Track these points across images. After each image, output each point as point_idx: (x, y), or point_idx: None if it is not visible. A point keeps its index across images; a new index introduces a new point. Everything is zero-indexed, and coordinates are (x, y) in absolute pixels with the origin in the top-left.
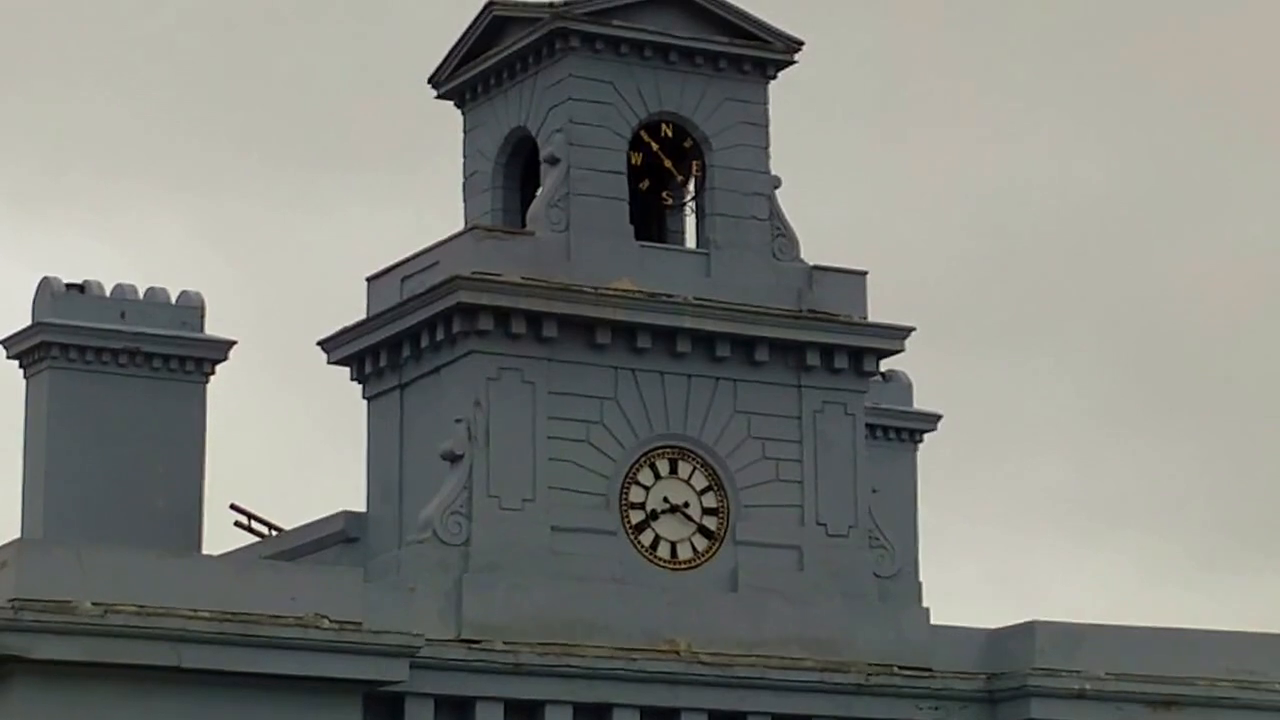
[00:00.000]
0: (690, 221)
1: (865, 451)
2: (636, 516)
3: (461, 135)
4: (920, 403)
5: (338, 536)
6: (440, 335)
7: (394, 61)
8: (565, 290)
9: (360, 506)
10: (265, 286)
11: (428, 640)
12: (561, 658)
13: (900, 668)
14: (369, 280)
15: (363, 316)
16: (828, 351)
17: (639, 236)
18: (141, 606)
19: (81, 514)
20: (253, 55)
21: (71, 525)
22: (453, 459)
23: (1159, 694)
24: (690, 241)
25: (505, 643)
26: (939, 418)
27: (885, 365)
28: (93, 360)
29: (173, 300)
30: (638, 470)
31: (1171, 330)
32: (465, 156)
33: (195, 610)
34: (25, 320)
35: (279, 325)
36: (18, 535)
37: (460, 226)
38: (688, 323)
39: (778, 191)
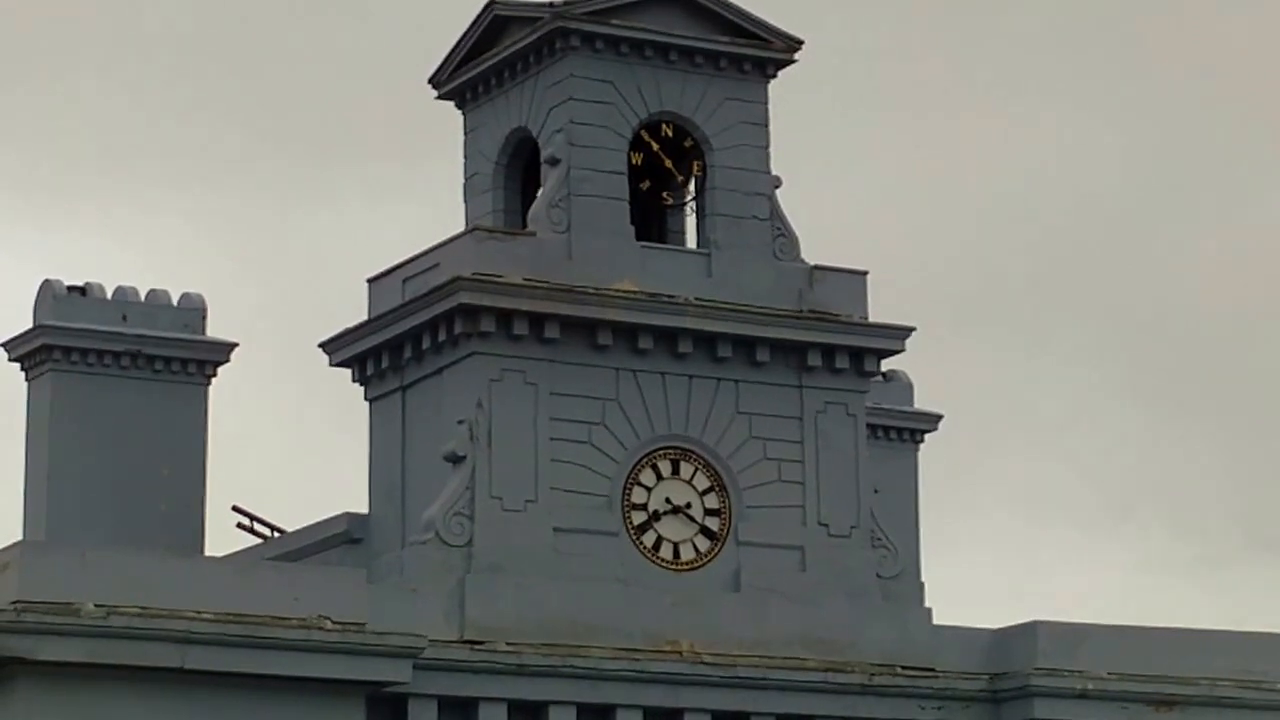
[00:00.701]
0: (691, 221)
1: (867, 452)
2: (639, 517)
3: (462, 136)
4: (921, 403)
5: (340, 538)
6: (442, 336)
7: (394, 62)
8: (567, 291)
9: (363, 508)
10: (267, 288)
11: (431, 641)
12: (565, 659)
13: (903, 668)
14: (370, 282)
15: (364, 318)
16: (829, 352)
17: (640, 237)
18: (144, 608)
19: (84, 516)
20: (255, 56)
21: (74, 527)
22: (455, 460)
23: (1162, 694)
24: (691, 242)
25: (508, 644)
26: (940, 418)
27: (886, 365)
28: (94, 363)
29: (174, 302)
30: (640, 471)
31: (1176, 327)
32: (466, 157)
33: (198, 611)
34: (27, 323)
35: (281, 327)
36: (20, 537)
37: (461, 227)
38: (689, 323)
39: (778, 191)
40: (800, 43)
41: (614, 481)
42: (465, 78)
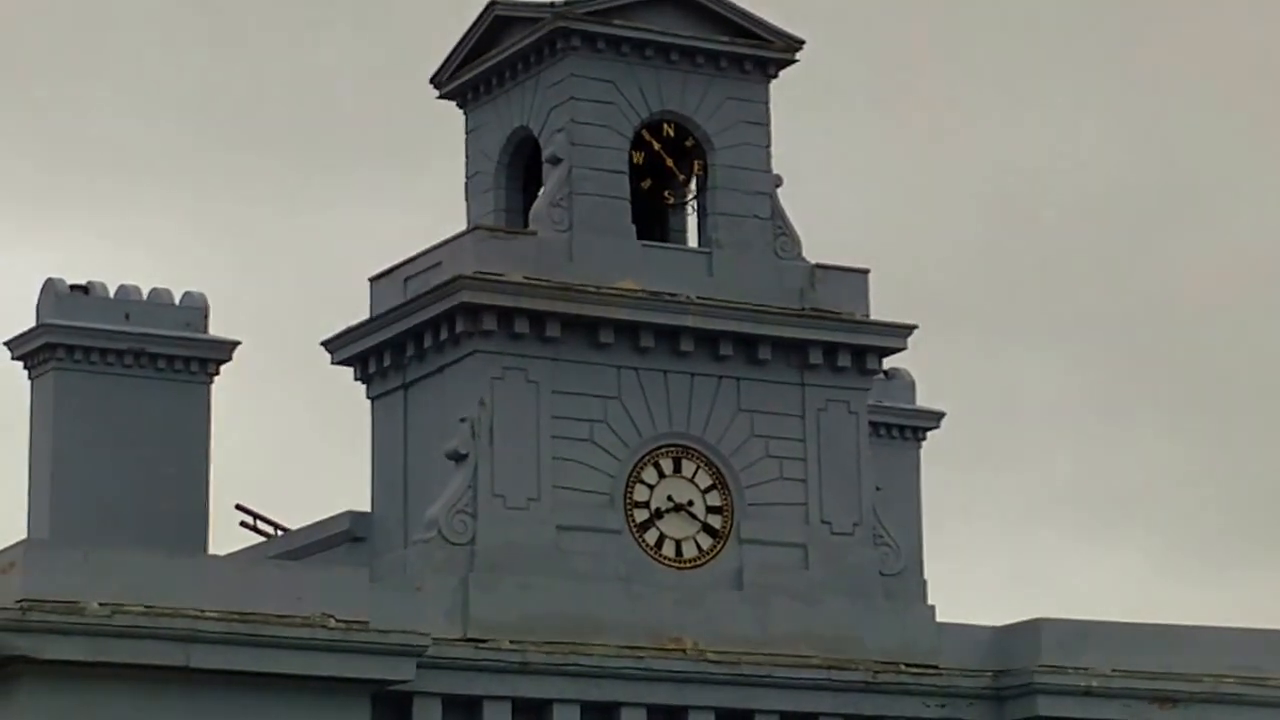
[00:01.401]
0: (692, 220)
1: (869, 449)
2: (641, 515)
3: (464, 135)
4: (923, 400)
5: (343, 536)
6: (444, 335)
7: (396, 62)
8: (568, 290)
9: (365, 506)
10: (268, 287)
11: (434, 639)
12: (568, 656)
13: (906, 665)
14: (372, 281)
15: (366, 317)
16: (830, 350)
17: (641, 236)
18: (149, 607)
19: (87, 515)
20: (255, 56)
21: (77, 526)
22: (457, 458)
23: (1165, 690)
24: (692, 240)
25: (512, 641)
26: (942, 415)
27: (888, 363)
28: (97, 361)
29: (176, 301)
30: (642, 469)
31: (1178, 325)
32: (467, 156)
33: (202, 610)
34: (30, 321)
35: (282, 326)
36: (24, 536)
37: (463, 226)
38: (690, 322)
39: (779, 190)
40: (801, 42)
41: (616, 479)
42: (466, 77)
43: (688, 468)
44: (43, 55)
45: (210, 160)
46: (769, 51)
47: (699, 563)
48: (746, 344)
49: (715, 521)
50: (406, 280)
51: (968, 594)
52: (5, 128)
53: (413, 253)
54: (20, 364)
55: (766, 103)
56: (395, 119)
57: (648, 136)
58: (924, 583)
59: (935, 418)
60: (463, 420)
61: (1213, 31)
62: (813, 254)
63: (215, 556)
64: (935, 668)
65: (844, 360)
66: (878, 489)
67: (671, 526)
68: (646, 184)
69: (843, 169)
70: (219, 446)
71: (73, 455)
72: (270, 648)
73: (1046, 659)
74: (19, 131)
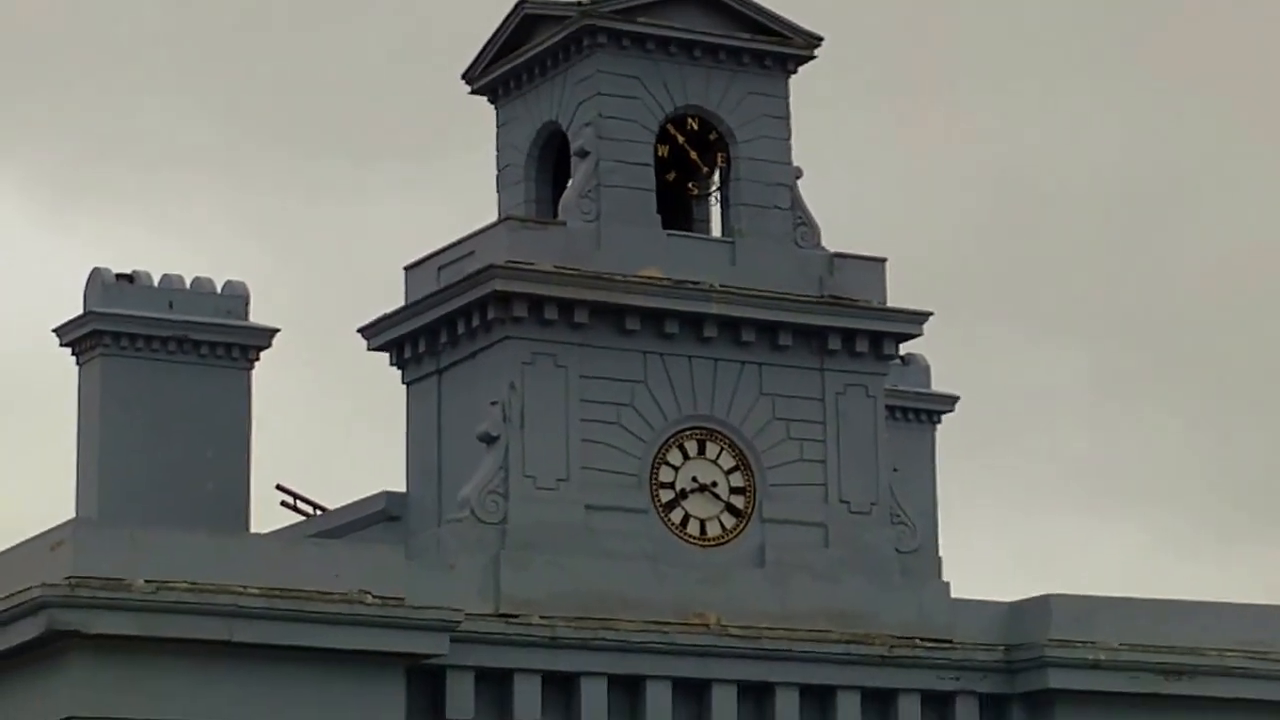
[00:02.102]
0: (715, 211)
1: (886, 432)
2: (666, 495)
3: (495, 129)
4: (938, 384)
5: (379, 515)
6: (476, 322)
7: (429, 58)
8: (596, 278)
9: (400, 486)
10: (307, 275)
11: (467, 615)
12: (596, 631)
13: (922, 640)
14: (407, 269)
15: (401, 304)
16: (849, 336)
17: (666, 226)
18: (193, 583)
19: (133, 495)
20: (294, 53)
21: (124, 506)
22: (489, 440)
23: (1172, 664)
24: (716, 230)
25: (542, 617)
26: (956, 399)
27: (904, 349)
28: (142, 348)
29: (218, 290)
30: (667, 450)
31: (1185, 308)
32: (498, 150)
33: (244, 587)
34: (77, 310)
35: (320, 313)
36: (73, 516)
37: (494, 217)
38: (714, 309)
39: (799, 181)
40: (820, 39)
41: (642, 461)
42: (497, 74)
43: (711, 450)
44: (88, 53)
45: (250, 154)
46: (789, 48)
47: (722, 541)
48: (768, 330)
49: (738, 501)
50: (440, 269)
51: (981, 571)
52: (51, 123)
53: (446, 242)
54: (68, 350)
55: (786, 97)
56: (429, 114)
57: (672, 130)
58: (939, 560)
59: (950, 401)
60: (494, 404)
61: (1212, 24)
62: (831, 243)
63: (256, 535)
64: (950, 642)
65: (862, 346)
66: (894, 470)
67: (696, 506)
68: (671, 176)
69: (861, 161)
70: (259, 429)
71: (119, 438)
72: (309, 623)
73: (1057, 633)
74: (64, 126)
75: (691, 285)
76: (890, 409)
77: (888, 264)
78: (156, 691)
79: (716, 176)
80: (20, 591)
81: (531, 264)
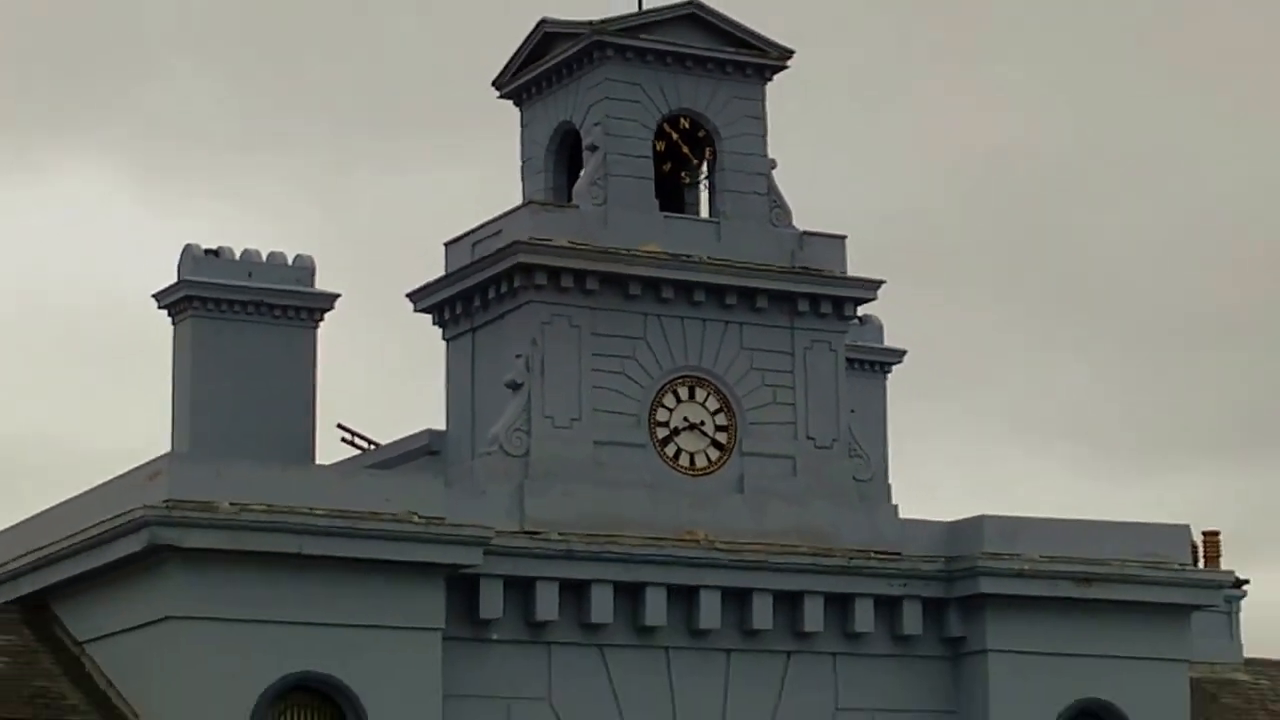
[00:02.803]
0: (704, 196)
1: (845, 380)
2: (662, 433)
3: (519, 128)
4: (890, 340)
5: (423, 450)
6: (504, 289)
7: (467, 67)
8: (604, 252)
9: (440, 425)
10: (364, 250)
11: (496, 532)
12: (604, 546)
13: (875, 553)
14: (447, 245)
15: (442, 274)
16: (814, 300)
17: (662, 208)
18: (268, 506)
19: (219, 433)
20: (361, 62)
21: (211, 442)
22: (514, 387)
23: (1083, 572)
24: (704, 212)
25: (558, 534)
26: (904, 352)
27: (862, 311)
28: (225, 310)
29: (289, 262)
30: (663, 395)
31: (1099, 277)
32: (522, 144)
33: (311, 509)
34: (172, 279)
35: (375, 281)
36: (168, 450)
37: (518, 201)
38: (703, 278)
39: (774, 171)
40: (791, 52)
41: (642, 404)
42: (521, 81)
43: (700, 395)
44: (179, 54)
45: (322, 144)
46: (765, 60)
47: (708, 471)
48: (747, 295)
49: (721, 438)
50: (473, 244)
51: (925, 496)
52: (146, 117)
53: (479, 222)
54: (165, 313)
55: (763, 100)
56: (463, 114)
57: (668, 128)
58: (889, 487)
59: (899, 355)
60: (519, 357)
61: (1166, 12)
62: (801, 223)
63: (321, 466)
64: (898, 555)
65: (825, 309)
66: (852, 411)
67: (687, 442)
68: (667, 167)
69: (826, 153)
70: (323, 378)
71: (206, 386)
72: (364, 539)
73: (988, 548)
74: (158, 121)
75: (684, 258)
76: (849, 361)
77: (847, 240)
78: (238, 596)
79: (704, 167)
80: (125, 514)
81: (550, 240)
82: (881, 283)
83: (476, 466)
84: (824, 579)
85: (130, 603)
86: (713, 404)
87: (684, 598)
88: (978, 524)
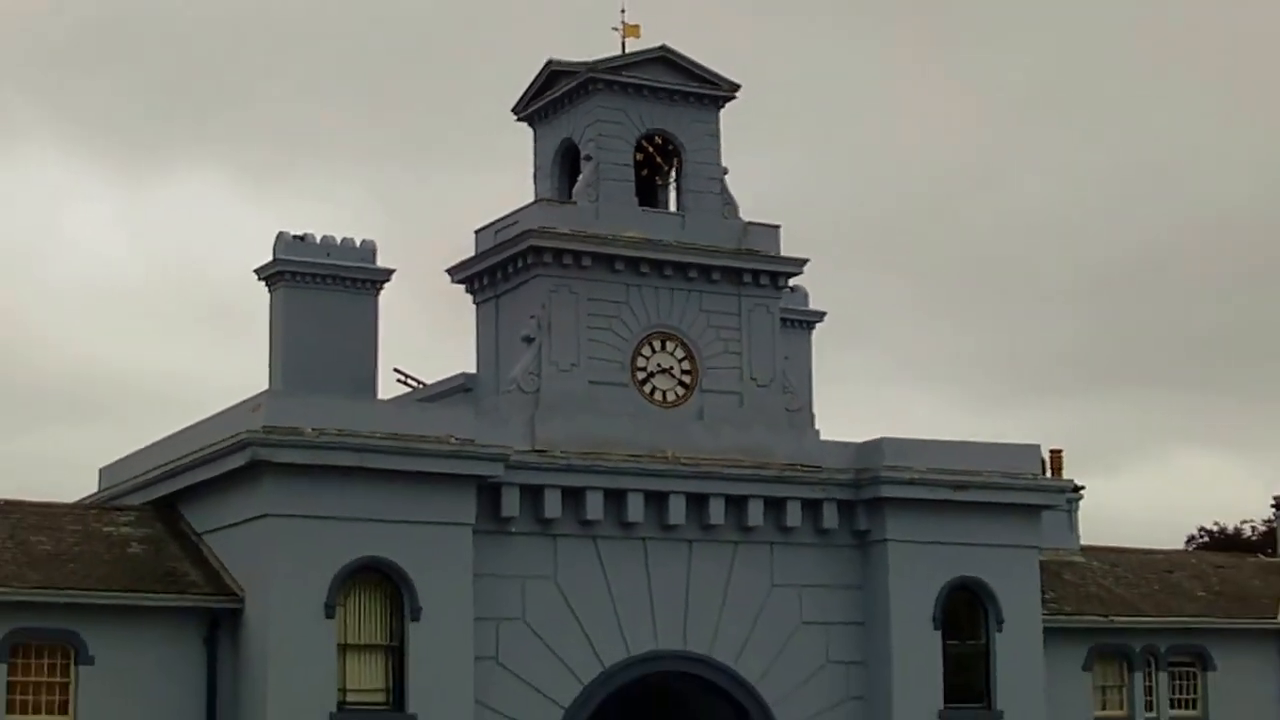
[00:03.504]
0: (672, 195)
1: (779, 335)
2: (641, 375)
3: (532, 143)
4: (814, 304)
5: (459, 388)
6: (520, 265)
7: (494, 100)
8: (596, 238)
9: (472, 369)
10: (414, 235)
11: (514, 451)
12: (595, 461)
13: (802, 466)
14: (476, 232)
15: (473, 254)
16: (756, 274)
17: (641, 204)
18: (341, 430)
19: (304, 375)
20: (414, 93)
21: (297, 382)
22: (528, 340)
23: (959, 480)
24: (672, 207)
25: (561, 452)
26: (825, 314)
27: (792, 282)
28: (309, 282)
29: (357, 244)
30: (642, 346)
31: (971, 253)
32: (534, 155)
33: (373, 432)
34: (269, 258)
35: (422, 259)
36: (265, 388)
37: (532, 199)
38: (671, 257)
39: (726, 176)
40: (739, 85)
41: (625, 353)
42: (533, 108)
43: (670, 346)
44: (272, 83)
45: (382, 154)
46: (718, 91)
47: (676, 404)
48: (705, 270)
49: (686, 379)
50: (496, 232)
51: (839, 423)
52: (248, 133)
53: (500, 215)
54: (264, 284)
55: (717, 123)
56: (490, 134)
57: (644, 144)
58: (813, 415)
59: (820, 315)
60: (532, 317)
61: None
62: (746, 215)
63: (381, 400)
64: (819, 468)
65: (764, 280)
66: (785, 358)
67: (660, 382)
68: (645, 172)
69: (765, 162)
70: (383, 333)
71: (295, 338)
72: (414, 455)
73: (887, 462)
74: (258, 136)
75: (657, 242)
76: (783, 320)
77: (781, 229)
78: (317, 498)
79: (673, 173)
80: (233, 436)
81: (555, 228)
82: (807, 260)
83: (499, 401)
84: (763, 486)
85: (237, 504)
86: (679, 353)
87: (657, 501)
88: (879, 445)
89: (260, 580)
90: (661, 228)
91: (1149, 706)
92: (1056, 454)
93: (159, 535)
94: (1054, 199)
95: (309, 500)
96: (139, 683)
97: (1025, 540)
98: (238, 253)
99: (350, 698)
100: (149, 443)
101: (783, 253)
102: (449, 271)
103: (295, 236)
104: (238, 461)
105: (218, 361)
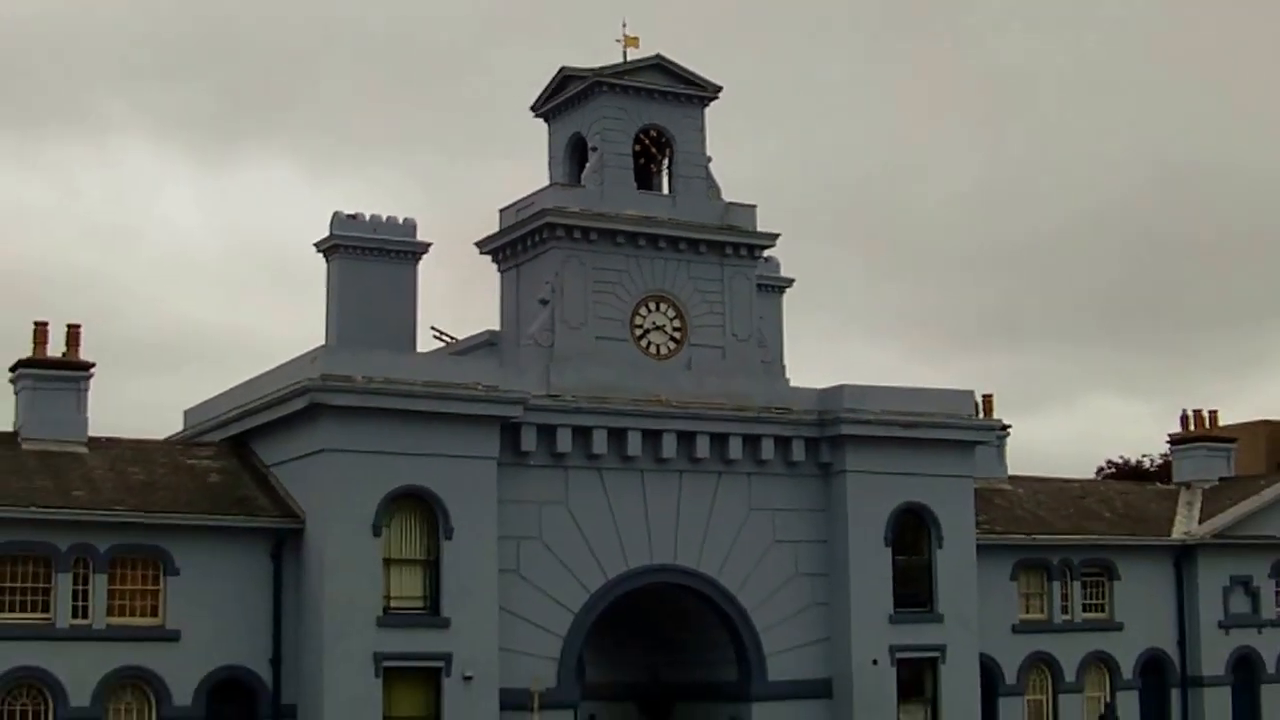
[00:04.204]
0: (665, 180)
1: (756, 297)
2: (639, 331)
3: (548, 136)
4: (785, 272)
5: (486, 343)
6: (538, 240)
7: (515, 100)
8: (601, 216)
9: (497, 327)
10: (448, 213)
11: (532, 395)
12: (600, 404)
13: (775, 408)
14: (501, 210)
15: (497, 229)
16: (735, 246)
17: (639, 188)
18: (387, 379)
19: (355, 331)
20: (450, 94)
21: (350, 337)
22: (544, 303)
23: (908, 421)
24: (665, 190)
25: (572, 396)
26: (794, 280)
27: (766, 253)
28: (360, 254)
29: (400, 222)
30: (640, 307)
31: (919, 230)
32: (550, 146)
33: (413, 381)
34: (325, 233)
35: (455, 233)
36: (322, 343)
37: (547, 183)
38: (664, 231)
39: (710, 164)
40: (720, 87)
41: (626, 313)
42: (549, 106)
43: (664, 307)
44: (330, 78)
45: (421, 143)
46: (704, 92)
47: (669, 357)
48: (692, 243)
49: (677, 335)
50: (518, 210)
51: (806, 372)
52: (308, 125)
53: (521, 196)
54: (322, 256)
55: (703, 118)
56: (512, 128)
57: (642, 136)
58: (784, 366)
59: (790, 282)
60: (547, 283)
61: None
62: (728, 196)
63: (420, 353)
64: (789, 410)
65: (743, 252)
66: (760, 318)
67: (655, 338)
68: (642, 161)
69: (743, 151)
70: (422, 296)
71: (348, 300)
72: (448, 399)
73: (847, 405)
74: (316, 127)
75: (653, 219)
76: (758, 285)
77: (757, 208)
78: (366, 436)
79: (665, 161)
80: (295, 383)
81: (567, 208)
82: (779, 235)
83: (520, 353)
84: (742, 425)
85: (298, 440)
86: (671, 313)
87: (652, 438)
88: (840, 390)
89: (318, 505)
90: (656, 207)
91: (1064, 610)
92: (988, 398)
93: (233, 467)
94: (982, 184)
95: (359, 437)
96: (217, 591)
97: (962, 471)
98: (299, 229)
99: (394, 603)
100: (225, 389)
101: (759, 228)
102: (477, 244)
103: (348, 215)
104: (299, 405)
105: (282, 320)
